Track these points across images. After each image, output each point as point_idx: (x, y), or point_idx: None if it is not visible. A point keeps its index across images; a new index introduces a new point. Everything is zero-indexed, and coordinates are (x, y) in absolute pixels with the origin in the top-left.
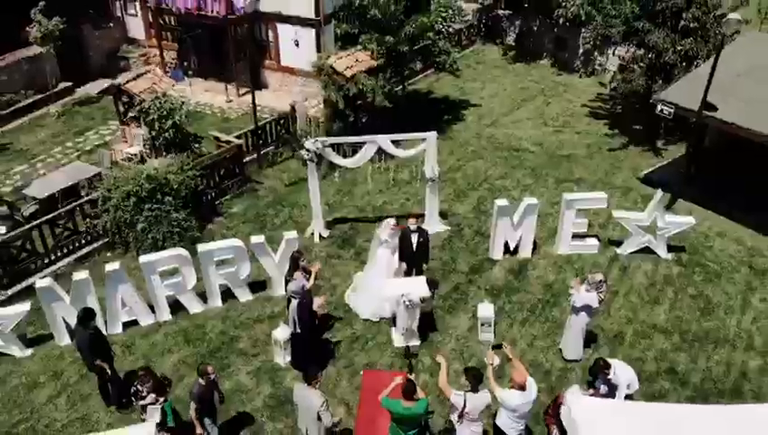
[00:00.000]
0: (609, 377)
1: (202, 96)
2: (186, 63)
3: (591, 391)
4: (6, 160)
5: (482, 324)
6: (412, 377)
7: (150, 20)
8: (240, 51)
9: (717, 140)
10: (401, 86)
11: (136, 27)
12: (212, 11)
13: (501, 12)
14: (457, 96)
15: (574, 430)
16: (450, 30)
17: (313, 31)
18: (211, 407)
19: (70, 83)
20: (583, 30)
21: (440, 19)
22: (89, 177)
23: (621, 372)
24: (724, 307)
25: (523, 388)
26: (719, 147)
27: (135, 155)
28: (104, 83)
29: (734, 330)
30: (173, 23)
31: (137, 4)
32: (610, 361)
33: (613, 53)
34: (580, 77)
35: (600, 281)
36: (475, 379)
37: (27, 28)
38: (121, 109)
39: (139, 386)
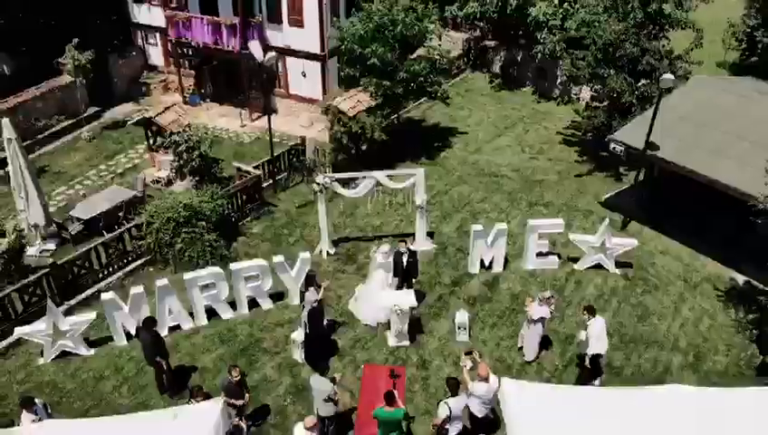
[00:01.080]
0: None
1: (218, 120)
2: (203, 90)
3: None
4: (48, 182)
5: (458, 328)
6: (395, 390)
7: (170, 49)
8: (252, 80)
9: (665, 172)
10: (396, 115)
11: (156, 55)
12: (227, 46)
13: (488, 42)
14: (447, 123)
15: (508, 412)
16: (440, 65)
17: (319, 64)
18: (241, 399)
19: (98, 108)
20: (561, 62)
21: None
22: (126, 199)
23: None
24: (658, 314)
25: (486, 380)
26: (667, 177)
27: (163, 178)
28: (129, 107)
29: (664, 333)
30: (191, 52)
31: (157, 35)
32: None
33: (585, 84)
34: (557, 104)
35: (549, 297)
36: (453, 387)
37: (60, 60)
38: (151, 138)
39: (192, 400)
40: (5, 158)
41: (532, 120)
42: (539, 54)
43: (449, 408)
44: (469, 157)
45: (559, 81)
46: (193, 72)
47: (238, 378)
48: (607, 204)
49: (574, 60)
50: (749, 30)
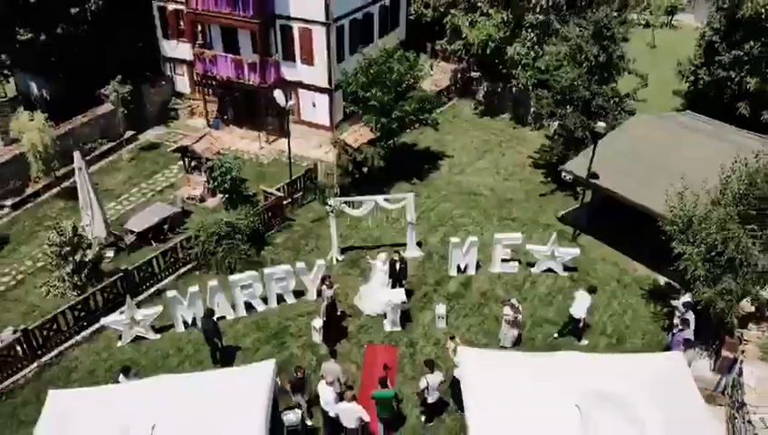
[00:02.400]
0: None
1: (239, 143)
2: (225, 116)
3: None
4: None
5: (438, 317)
6: (387, 378)
7: (195, 80)
8: (269, 108)
9: (604, 196)
10: (392, 141)
11: (182, 84)
12: (248, 80)
13: (473, 74)
14: (435, 147)
15: (462, 376)
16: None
17: (327, 96)
18: (302, 389)
19: (134, 131)
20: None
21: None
22: (170, 214)
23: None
24: (593, 307)
25: None
26: (606, 200)
27: (197, 196)
28: (160, 130)
29: (596, 322)
30: (214, 83)
31: (184, 66)
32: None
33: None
34: (531, 130)
35: (516, 304)
36: (430, 366)
37: (103, 91)
38: (187, 162)
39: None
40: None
41: (508, 144)
42: (513, 88)
43: (427, 382)
44: (453, 178)
45: (532, 110)
46: (216, 99)
47: (302, 376)
48: (563, 219)
49: (538, 98)
50: (693, 67)
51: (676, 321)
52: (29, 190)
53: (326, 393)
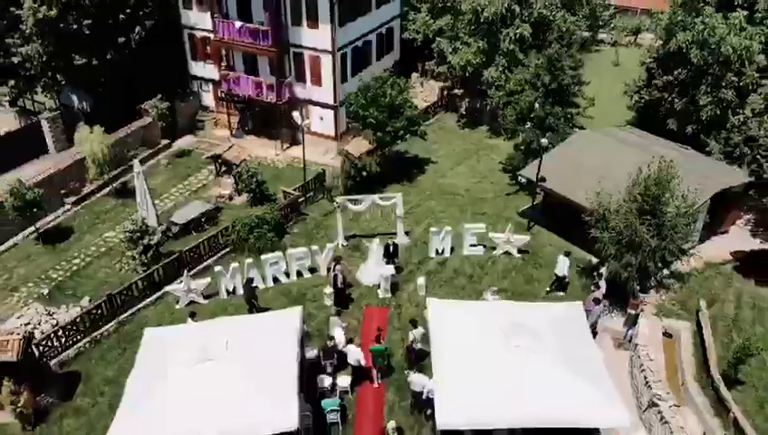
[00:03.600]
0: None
1: (258, 150)
2: (246, 127)
3: None
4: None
5: (419, 287)
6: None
7: (220, 96)
8: (283, 121)
9: (551, 195)
10: (386, 150)
11: (208, 99)
12: (266, 98)
13: (456, 91)
14: (423, 154)
15: (433, 330)
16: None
17: (332, 111)
18: (331, 356)
19: (168, 140)
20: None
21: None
22: (206, 210)
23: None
24: (537, 280)
25: None
26: (553, 198)
27: (226, 195)
28: (190, 139)
29: (540, 291)
30: (236, 99)
31: (210, 84)
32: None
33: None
34: (503, 140)
35: (495, 290)
36: (413, 323)
37: (143, 106)
38: (218, 167)
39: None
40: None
41: (484, 152)
42: (488, 105)
43: (413, 335)
44: (436, 180)
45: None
46: (238, 113)
47: (333, 345)
48: (522, 214)
49: (503, 116)
50: (637, 88)
51: (592, 287)
52: (86, 190)
53: (339, 335)
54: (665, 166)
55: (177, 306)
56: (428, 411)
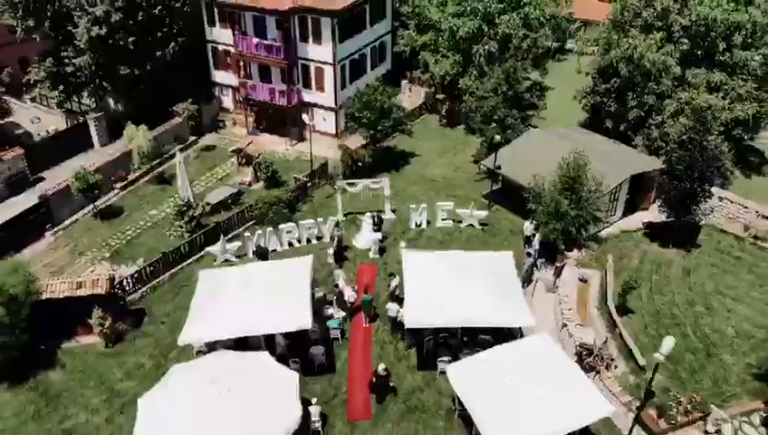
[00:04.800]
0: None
1: (270, 145)
2: (260, 127)
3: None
4: (154, 200)
5: (401, 249)
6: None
7: (238, 100)
8: (293, 121)
9: (506, 180)
10: (378, 145)
11: (228, 102)
12: (278, 102)
13: (439, 96)
14: (408, 149)
15: (405, 269)
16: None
17: (333, 113)
18: (340, 301)
19: (195, 137)
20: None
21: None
22: (232, 193)
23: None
24: (492, 246)
25: None
26: (508, 182)
27: (246, 181)
28: (213, 136)
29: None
30: (253, 103)
31: (230, 89)
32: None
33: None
34: (476, 137)
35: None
36: (392, 274)
37: (175, 108)
38: (240, 159)
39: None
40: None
41: (460, 147)
42: (463, 108)
43: (393, 284)
44: (419, 170)
45: None
46: (253, 114)
47: (339, 291)
48: (485, 196)
49: (472, 118)
50: (585, 94)
51: (526, 246)
52: (131, 177)
53: (340, 281)
54: (578, 156)
55: (215, 263)
56: (401, 332)
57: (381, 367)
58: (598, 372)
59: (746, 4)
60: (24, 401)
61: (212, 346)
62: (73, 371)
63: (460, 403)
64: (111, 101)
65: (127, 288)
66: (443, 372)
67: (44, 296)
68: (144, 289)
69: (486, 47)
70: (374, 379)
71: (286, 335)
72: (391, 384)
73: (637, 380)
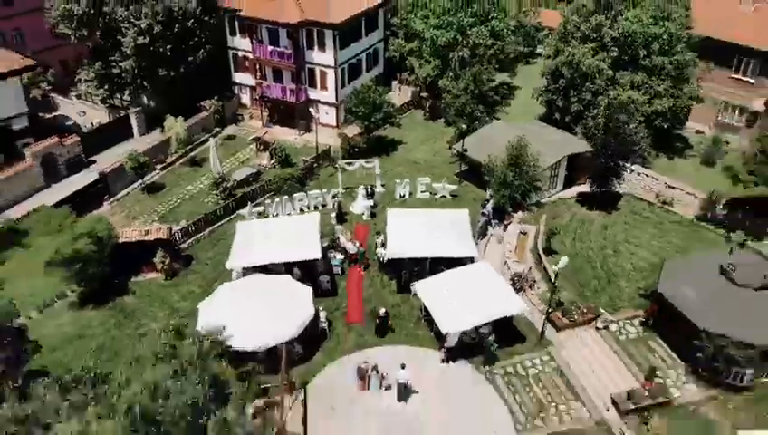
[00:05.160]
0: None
1: (282, 135)
2: (273, 120)
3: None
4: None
5: (388, 213)
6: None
7: (255, 97)
8: (301, 114)
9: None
10: (370, 134)
11: (246, 99)
12: (289, 99)
13: (423, 94)
14: (397, 138)
15: (388, 220)
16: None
17: (334, 108)
18: (337, 246)
19: (218, 128)
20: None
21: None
22: (252, 173)
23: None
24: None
25: None
26: (475, 163)
27: (263, 164)
28: (233, 127)
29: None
30: (267, 100)
31: (247, 88)
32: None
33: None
34: (452, 128)
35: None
36: (378, 232)
37: (203, 103)
38: (258, 146)
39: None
40: (189, 149)
41: (440, 136)
42: (443, 104)
43: (379, 239)
44: (405, 154)
45: None
46: (267, 109)
47: (336, 238)
48: (457, 174)
49: (447, 113)
50: (541, 93)
51: (481, 207)
52: (169, 160)
53: (341, 236)
54: (521, 139)
55: (246, 220)
56: (386, 270)
57: (382, 310)
58: (524, 291)
59: (664, 19)
60: (107, 316)
61: (246, 272)
62: (142, 296)
63: (425, 311)
64: (145, 98)
65: (177, 239)
66: (415, 294)
67: (120, 240)
68: (190, 240)
69: (460, 54)
70: (377, 320)
71: (301, 266)
72: (390, 324)
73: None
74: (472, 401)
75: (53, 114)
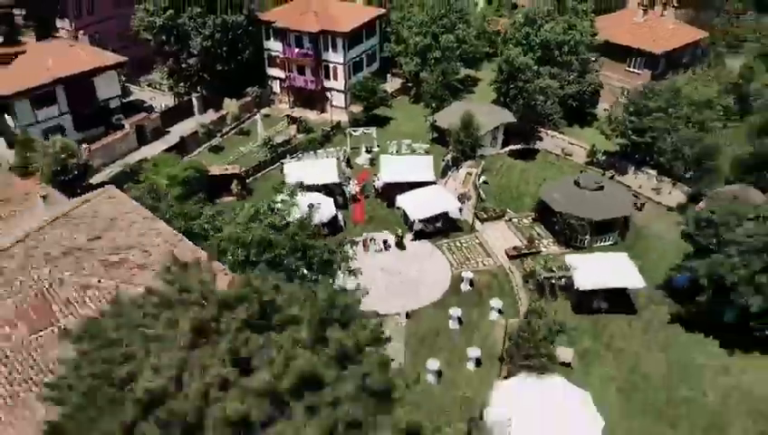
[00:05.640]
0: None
1: (305, 114)
2: (297, 103)
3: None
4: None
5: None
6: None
7: (284, 87)
8: (319, 99)
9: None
10: (369, 112)
11: (276, 87)
12: (309, 87)
13: (408, 84)
14: (389, 115)
15: (381, 162)
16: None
17: (343, 94)
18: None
19: (257, 109)
20: None
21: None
22: (285, 139)
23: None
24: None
25: None
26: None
27: (293, 134)
28: (266, 109)
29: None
30: (294, 88)
31: (278, 80)
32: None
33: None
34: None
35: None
36: (376, 175)
37: (247, 90)
38: (289, 121)
39: None
40: (240, 123)
41: (420, 114)
42: (422, 91)
43: (376, 178)
44: (395, 128)
45: None
46: (293, 95)
47: (347, 176)
48: (432, 139)
49: (426, 96)
50: (493, 82)
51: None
52: (225, 130)
53: (350, 174)
54: (467, 112)
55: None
56: (379, 196)
57: (399, 231)
58: (465, 202)
59: (572, 29)
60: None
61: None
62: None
63: (405, 214)
64: (199, 86)
65: (245, 175)
66: (398, 207)
67: (210, 173)
68: (250, 180)
69: (435, 54)
70: (396, 238)
71: (323, 187)
72: (404, 242)
73: (480, 204)
74: (430, 259)
75: (129, 99)
